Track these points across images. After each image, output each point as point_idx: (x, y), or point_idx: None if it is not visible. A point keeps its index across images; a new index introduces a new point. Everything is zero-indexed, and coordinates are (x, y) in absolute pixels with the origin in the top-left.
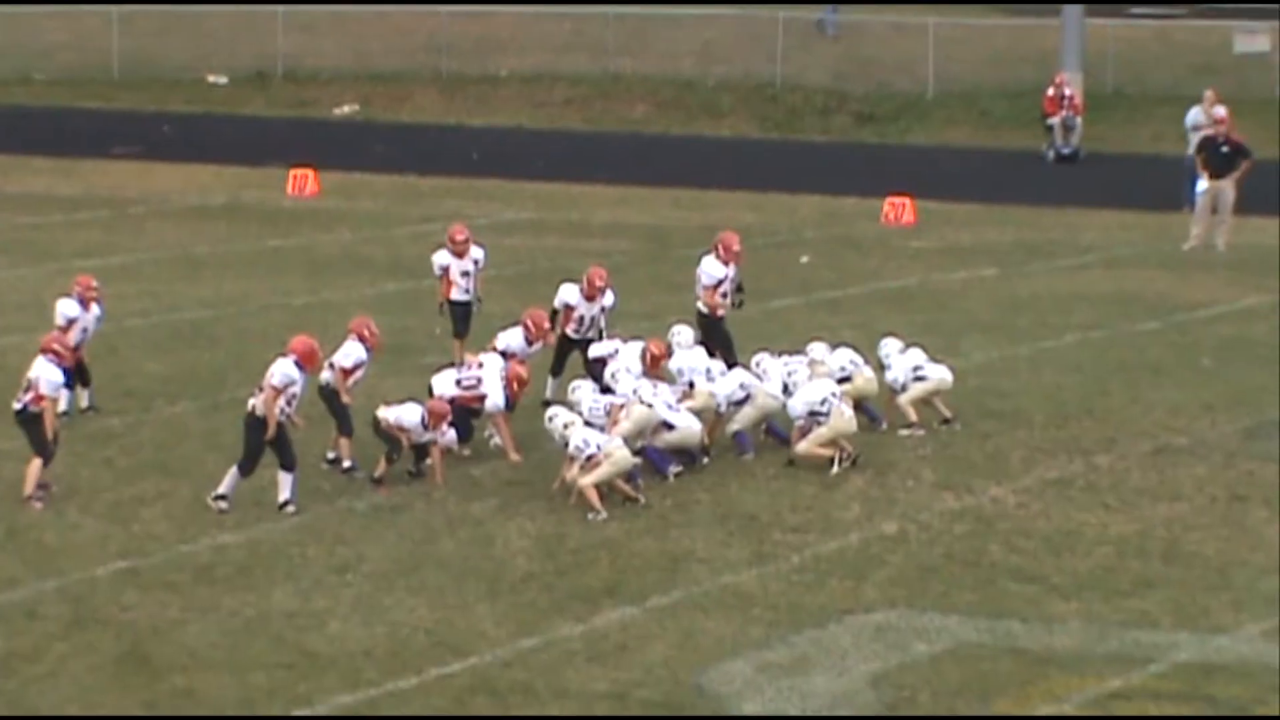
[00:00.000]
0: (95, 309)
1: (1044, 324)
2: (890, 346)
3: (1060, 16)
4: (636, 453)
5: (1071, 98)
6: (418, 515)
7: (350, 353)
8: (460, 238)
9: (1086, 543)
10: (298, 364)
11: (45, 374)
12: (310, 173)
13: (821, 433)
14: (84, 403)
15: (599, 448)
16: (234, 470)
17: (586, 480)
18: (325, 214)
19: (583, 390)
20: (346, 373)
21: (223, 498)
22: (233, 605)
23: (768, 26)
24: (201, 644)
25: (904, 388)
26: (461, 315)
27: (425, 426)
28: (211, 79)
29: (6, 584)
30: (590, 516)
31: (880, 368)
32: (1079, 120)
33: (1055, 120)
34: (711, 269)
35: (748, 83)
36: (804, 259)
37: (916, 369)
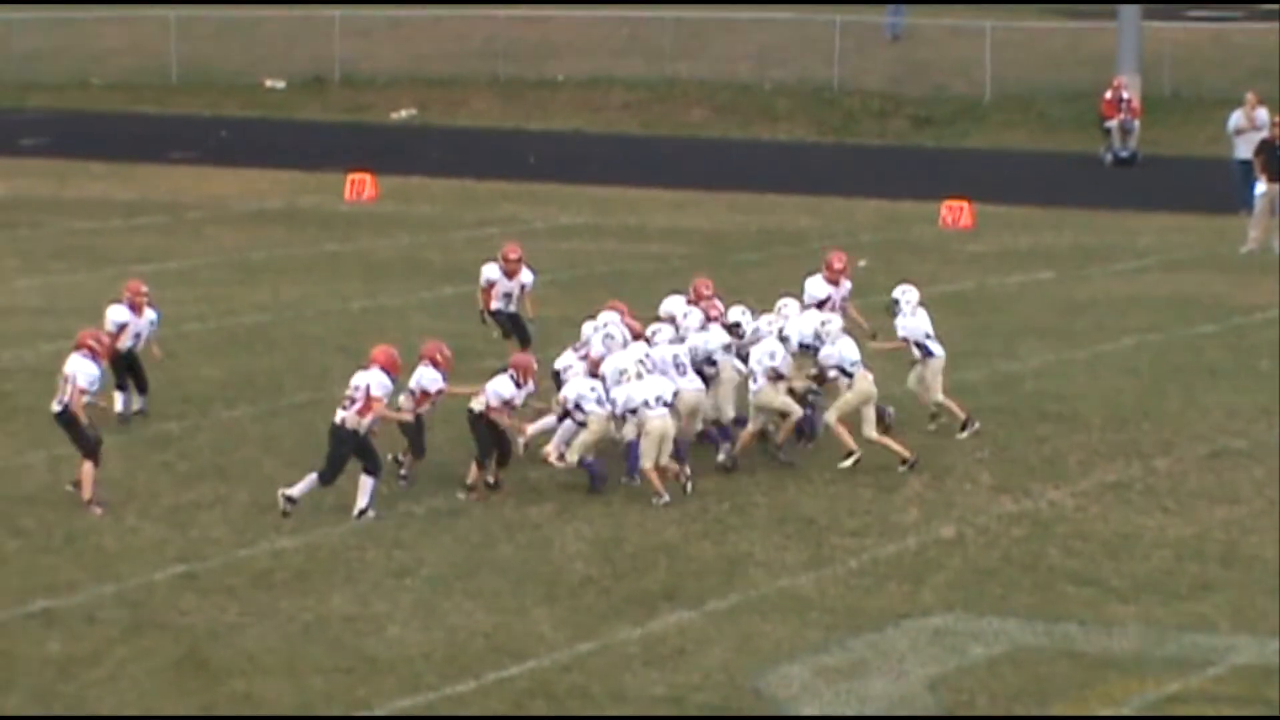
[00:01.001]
0: (149, 313)
1: (1101, 327)
2: (910, 294)
3: (1117, 19)
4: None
5: (1129, 101)
6: (475, 519)
7: (422, 376)
8: (513, 257)
9: (1144, 546)
10: (386, 372)
11: (81, 369)
12: (368, 177)
13: (848, 399)
14: (136, 406)
15: (580, 405)
16: (313, 477)
17: (646, 465)
18: (382, 218)
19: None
20: (425, 396)
21: (292, 500)
22: (291, 609)
23: (825, 30)
24: (260, 648)
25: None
26: (509, 323)
27: (518, 384)
28: (269, 84)
29: (65, 588)
30: (655, 501)
31: (890, 313)
32: (1136, 123)
33: (1113, 123)
34: (814, 289)
35: (805, 86)
36: (861, 263)
37: (928, 335)
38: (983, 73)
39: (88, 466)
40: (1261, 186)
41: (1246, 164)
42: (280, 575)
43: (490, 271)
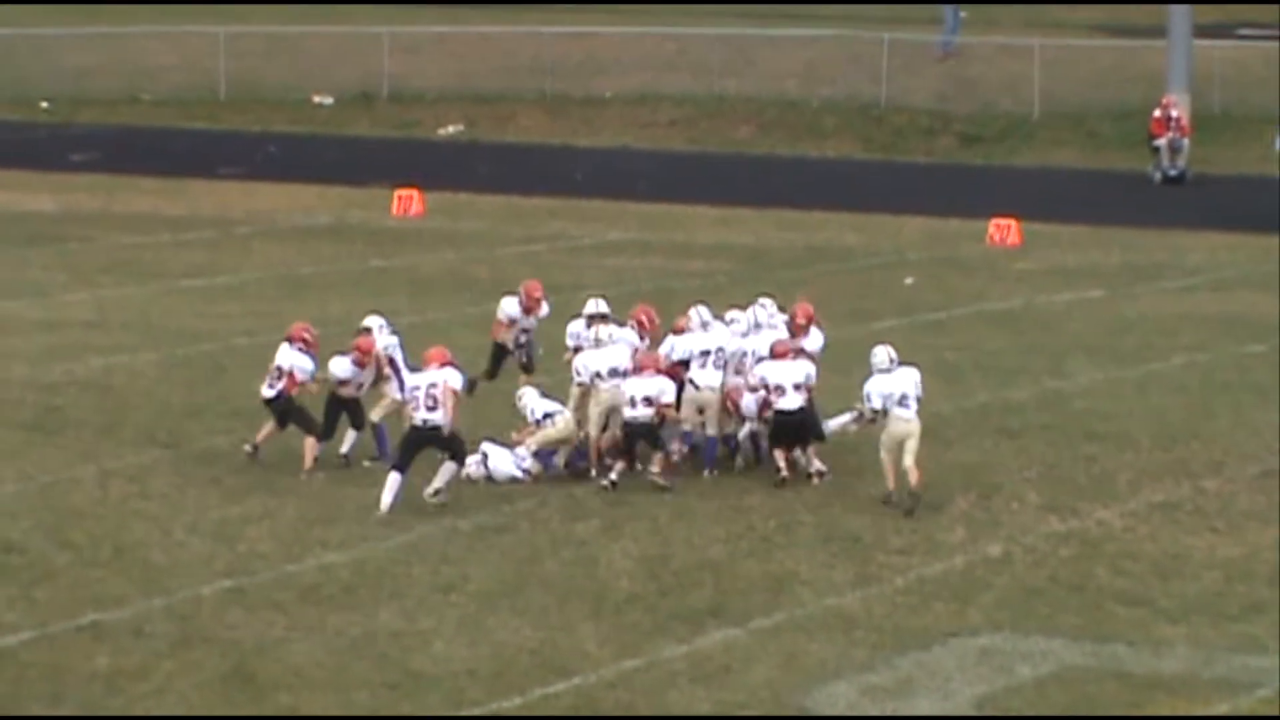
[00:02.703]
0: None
1: (1150, 346)
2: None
3: (1167, 37)
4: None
5: (1178, 119)
6: (521, 535)
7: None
8: (537, 295)
9: (1194, 566)
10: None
11: (297, 361)
12: (415, 193)
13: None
14: (344, 448)
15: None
16: (451, 465)
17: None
18: (430, 234)
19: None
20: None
21: (438, 491)
22: (338, 624)
23: (872, 47)
24: (307, 663)
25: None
26: (498, 358)
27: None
28: (317, 100)
29: (114, 602)
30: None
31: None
32: (1186, 142)
33: (1162, 142)
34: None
35: (852, 103)
36: (908, 280)
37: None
38: (1031, 90)
39: (311, 440)
40: None
41: None
42: (327, 590)
43: (510, 308)
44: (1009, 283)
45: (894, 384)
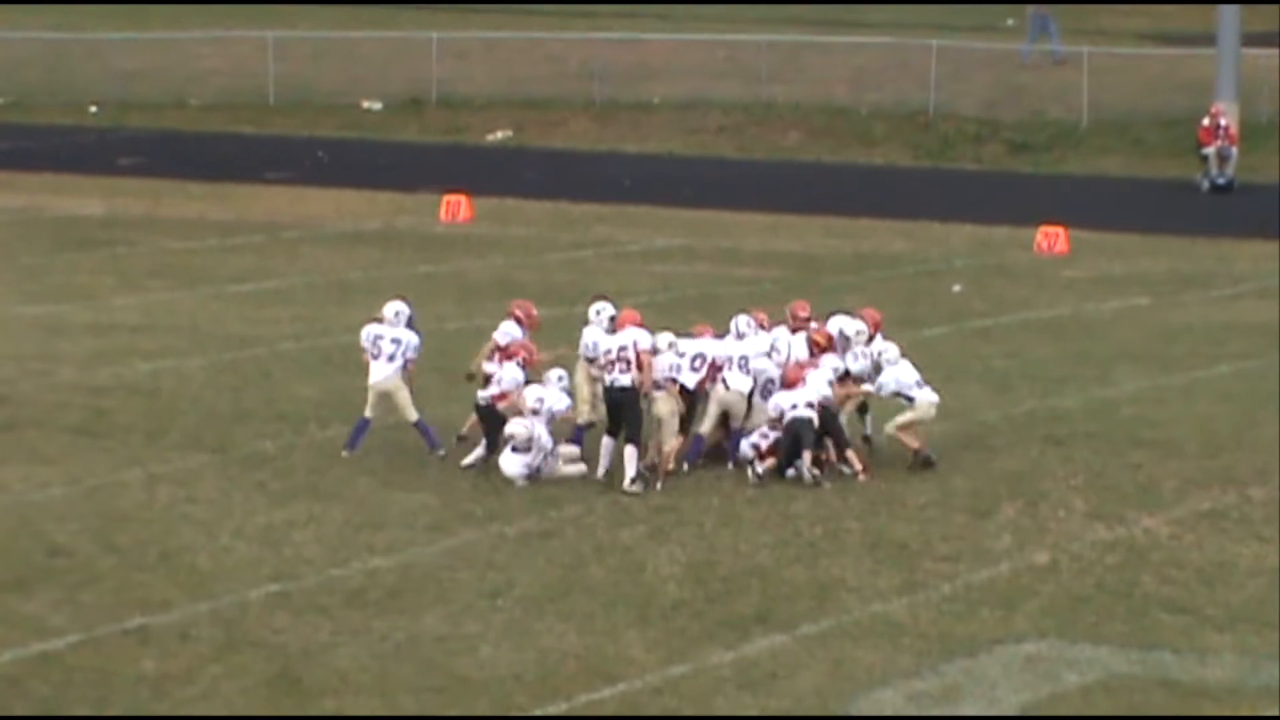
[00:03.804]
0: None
1: (1197, 354)
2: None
3: (1216, 46)
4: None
5: (1226, 128)
6: (568, 541)
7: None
8: (802, 314)
9: (1240, 574)
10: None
11: (509, 374)
12: (463, 198)
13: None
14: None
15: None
16: (631, 449)
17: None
18: (478, 240)
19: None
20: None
21: (635, 480)
22: (383, 629)
23: (921, 54)
24: (352, 667)
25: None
26: None
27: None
28: (366, 105)
29: (160, 606)
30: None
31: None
32: (1234, 150)
33: (1210, 150)
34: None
35: (900, 110)
36: (956, 288)
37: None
38: (1080, 98)
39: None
40: None
41: None
42: (373, 594)
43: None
44: (1056, 290)
45: (907, 373)
